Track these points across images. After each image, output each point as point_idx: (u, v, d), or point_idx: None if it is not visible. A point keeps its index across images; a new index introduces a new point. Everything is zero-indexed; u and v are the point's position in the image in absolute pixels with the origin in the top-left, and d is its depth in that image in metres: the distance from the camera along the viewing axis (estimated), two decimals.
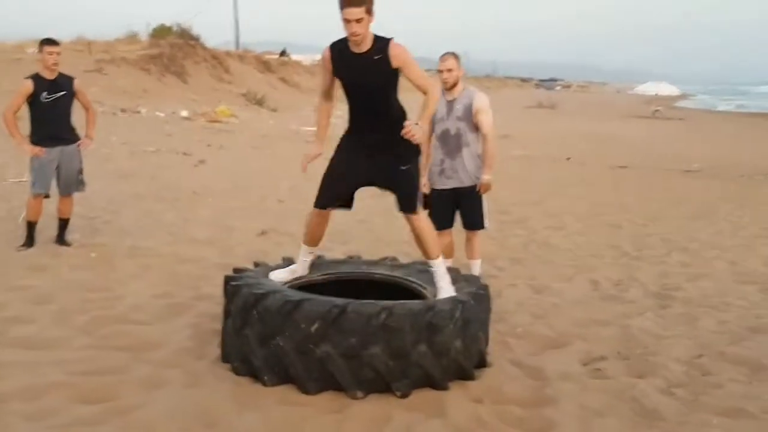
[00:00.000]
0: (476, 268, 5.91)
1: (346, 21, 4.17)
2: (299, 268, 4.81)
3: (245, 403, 3.77)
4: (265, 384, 3.97)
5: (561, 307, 5.67)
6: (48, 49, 6.91)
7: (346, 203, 4.66)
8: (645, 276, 6.71)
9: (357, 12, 4.13)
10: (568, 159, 17.70)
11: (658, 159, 18.19)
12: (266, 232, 8.12)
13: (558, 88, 56.71)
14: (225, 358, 4.28)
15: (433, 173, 5.78)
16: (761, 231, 9.19)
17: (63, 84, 7.01)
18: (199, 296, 5.62)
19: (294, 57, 53.31)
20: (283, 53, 56.10)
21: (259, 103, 31.89)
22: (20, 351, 4.37)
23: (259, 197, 10.59)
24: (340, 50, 4.36)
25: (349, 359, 3.87)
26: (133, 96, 25.96)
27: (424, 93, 4.36)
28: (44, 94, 6.86)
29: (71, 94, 7.06)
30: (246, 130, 22.38)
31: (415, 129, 4.18)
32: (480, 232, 5.97)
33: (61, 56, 7.04)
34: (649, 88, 54.33)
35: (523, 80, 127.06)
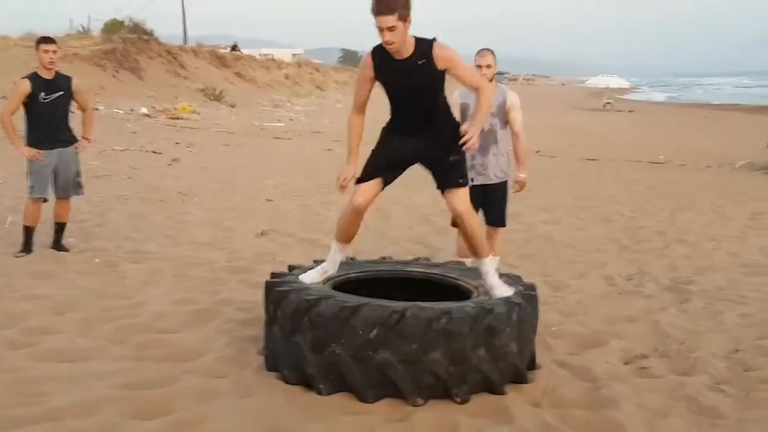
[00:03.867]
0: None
1: (379, 29, 4.03)
2: (330, 267, 4.52)
3: (306, 413, 3.67)
4: (320, 393, 3.87)
5: (586, 304, 5.70)
6: (44, 47, 6.66)
7: (389, 179, 4.39)
8: (654, 270, 6.78)
9: (389, 20, 3.97)
10: (538, 152, 17.85)
11: (623, 151, 18.47)
12: (266, 232, 7.99)
13: (505, 81, 57.01)
14: (271, 366, 4.18)
15: None
16: (748, 221, 9.38)
17: (61, 84, 6.76)
18: (219, 301, 5.48)
19: (245, 51, 52.74)
20: (234, 48, 55.45)
21: (218, 98, 31.48)
22: (58, 364, 4.20)
23: (248, 197, 10.43)
24: (381, 56, 4.18)
25: (410, 365, 3.80)
26: (89, 93, 25.32)
27: (476, 90, 4.29)
28: (42, 94, 6.61)
29: (69, 94, 6.82)
30: (210, 127, 22.06)
31: (473, 139, 4.17)
32: (500, 230, 5.97)
33: (57, 54, 6.79)
34: (601, 81, 54.78)
35: None
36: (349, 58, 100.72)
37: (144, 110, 24.00)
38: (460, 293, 4.53)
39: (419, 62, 4.13)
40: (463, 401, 3.85)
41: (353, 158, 4.43)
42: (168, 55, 34.76)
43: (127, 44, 32.01)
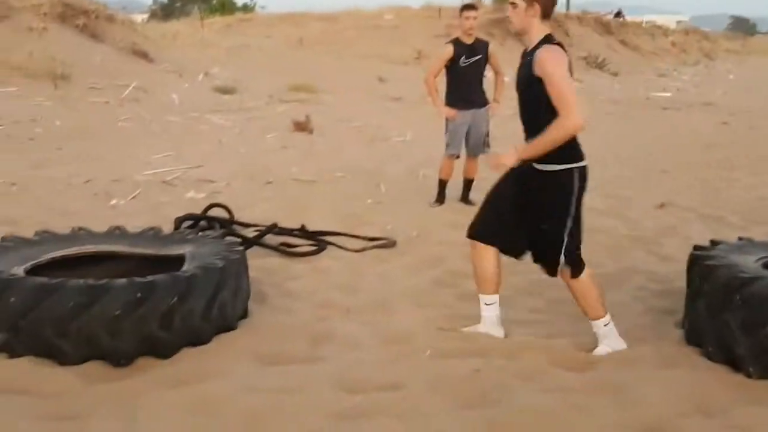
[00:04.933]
0: None
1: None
2: None
3: (735, 394, 3.47)
4: (749, 375, 3.63)
5: None
6: (466, 14, 7.12)
7: None
8: None
9: None
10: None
11: None
12: (664, 204, 7.69)
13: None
14: (692, 340, 4.03)
15: None
16: None
17: (479, 48, 7.18)
18: (625, 269, 5.43)
19: (629, 18, 50.88)
20: (618, 14, 53.78)
21: (600, 66, 30.90)
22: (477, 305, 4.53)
23: (639, 168, 10.13)
24: None
25: None
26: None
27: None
28: (463, 58, 7.08)
29: (485, 59, 7.21)
30: (593, 95, 21.78)
31: None
32: None
33: (477, 20, 7.22)
34: None
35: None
36: (739, 25, 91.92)
37: None
38: None
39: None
40: None
41: None
42: (553, 22, 34.79)
43: None
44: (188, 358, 3.60)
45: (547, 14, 3.74)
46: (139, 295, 3.52)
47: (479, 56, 7.14)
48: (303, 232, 6.02)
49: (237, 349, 3.69)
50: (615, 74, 30.30)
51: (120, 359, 3.53)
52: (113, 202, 7.13)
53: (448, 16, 31.05)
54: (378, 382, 3.42)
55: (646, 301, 4.70)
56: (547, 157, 3.66)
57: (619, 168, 10.03)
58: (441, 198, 7.36)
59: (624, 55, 36.49)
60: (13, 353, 3.48)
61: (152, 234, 4.65)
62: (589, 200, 7.67)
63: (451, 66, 7.13)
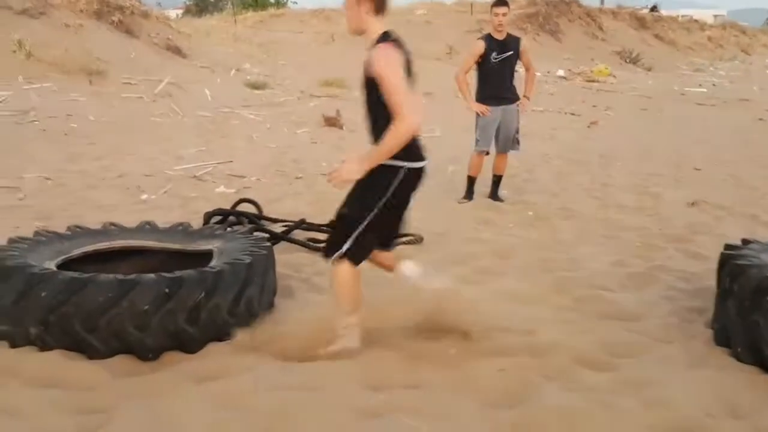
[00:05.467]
0: None
1: None
2: None
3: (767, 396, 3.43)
4: None
5: None
6: (495, 10, 7.07)
7: None
8: None
9: None
10: None
11: None
12: (696, 203, 7.58)
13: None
14: (721, 341, 3.97)
15: None
16: None
17: (511, 44, 7.14)
18: (655, 267, 5.34)
19: (664, 12, 50.12)
20: (654, 8, 53.02)
21: (634, 61, 30.52)
22: (506, 304, 4.50)
23: (671, 163, 10.00)
24: None
25: None
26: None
27: None
28: (494, 54, 7.04)
29: (517, 55, 7.17)
30: (626, 90, 21.53)
31: None
32: None
33: (507, 17, 7.16)
34: None
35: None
36: None
37: (560, 72, 24.29)
38: None
39: None
40: None
41: None
42: (587, 17, 34.52)
43: (549, 7, 32.54)
44: (214, 353, 3.63)
45: (380, 9, 3.54)
46: (167, 290, 3.56)
47: (510, 52, 7.10)
48: (331, 228, 6.02)
49: (262, 345, 3.70)
50: (649, 69, 29.89)
51: (148, 354, 3.57)
52: (144, 196, 7.22)
53: (480, 11, 30.86)
54: (402, 380, 3.42)
55: (676, 300, 4.63)
56: None
57: (651, 165, 9.92)
58: (469, 194, 7.33)
59: (659, 50, 35.95)
60: (44, 347, 3.54)
61: (181, 229, 4.70)
62: (619, 197, 7.72)
63: (482, 62, 7.10)
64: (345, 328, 3.68)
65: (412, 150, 3.58)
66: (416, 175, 3.65)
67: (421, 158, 3.67)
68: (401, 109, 3.39)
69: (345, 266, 3.61)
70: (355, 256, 3.61)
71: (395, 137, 3.41)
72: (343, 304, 3.68)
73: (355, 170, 3.49)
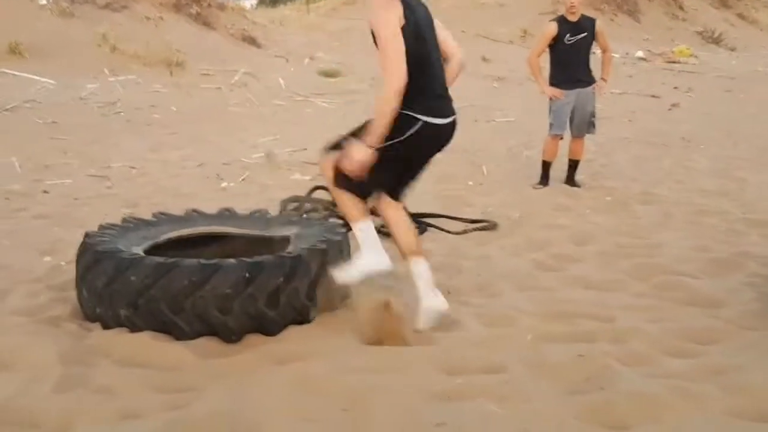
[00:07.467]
0: None
1: None
2: None
3: None
4: None
5: None
6: None
7: None
8: None
9: None
10: None
11: None
12: None
13: None
14: None
15: None
16: None
17: (585, 26, 7.01)
18: (739, 253, 5.18)
19: None
20: None
21: (716, 41, 29.44)
22: (583, 290, 4.47)
23: (756, 147, 9.64)
24: None
25: None
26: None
27: None
28: (567, 35, 6.93)
29: (592, 36, 7.04)
30: (708, 72, 20.83)
31: None
32: None
33: None
34: None
35: None
36: None
37: (640, 54, 23.63)
38: None
39: None
40: None
41: None
42: None
43: None
44: (294, 336, 3.72)
45: None
46: (247, 274, 3.66)
47: (585, 34, 6.97)
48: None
49: (339, 328, 3.78)
50: (732, 49, 28.81)
51: (231, 335, 3.69)
52: (224, 184, 7.41)
53: None
54: (479, 365, 3.43)
55: (759, 287, 4.48)
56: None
57: (733, 148, 9.62)
58: (545, 180, 7.25)
59: (742, 30, 34.54)
60: (134, 328, 3.70)
61: (259, 216, 4.82)
62: (701, 181, 7.50)
63: (555, 44, 6.99)
64: (360, 231, 3.72)
65: (430, 105, 3.53)
66: (435, 132, 3.59)
67: (442, 115, 3.59)
68: (388, 70, 3.25)
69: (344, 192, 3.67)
70: (358, 187, 3.61)
71: (380, 102, 3.30)
72: (348, 216, 3.74)
73: (362, 150, 3.44)
